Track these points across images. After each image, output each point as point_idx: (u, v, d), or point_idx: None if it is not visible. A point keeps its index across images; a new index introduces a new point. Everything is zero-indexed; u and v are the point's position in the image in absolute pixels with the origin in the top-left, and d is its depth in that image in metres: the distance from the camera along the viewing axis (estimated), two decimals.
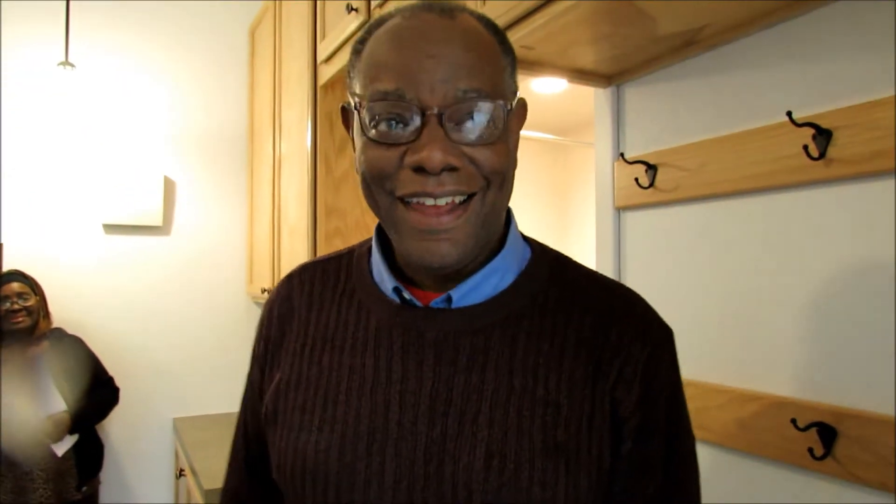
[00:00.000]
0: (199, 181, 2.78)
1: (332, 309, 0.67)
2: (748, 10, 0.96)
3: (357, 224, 2.00)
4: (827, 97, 0.91)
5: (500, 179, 0.58)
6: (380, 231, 0.68)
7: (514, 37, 1.03)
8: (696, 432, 1.07)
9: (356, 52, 0.60)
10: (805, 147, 0.91)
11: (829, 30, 0.91)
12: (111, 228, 2.62)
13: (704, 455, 1.07)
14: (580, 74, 1.25)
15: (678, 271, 1.15)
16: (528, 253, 0.68)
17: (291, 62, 2.13)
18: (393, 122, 0.55)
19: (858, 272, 0.87)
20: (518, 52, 1.09)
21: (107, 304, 2.58)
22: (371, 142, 0.57)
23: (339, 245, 1.96)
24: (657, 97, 1.20)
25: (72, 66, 2.38)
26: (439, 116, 0.54)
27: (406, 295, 0.63)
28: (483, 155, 0.56)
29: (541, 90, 2.81)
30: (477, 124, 0.56)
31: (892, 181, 0.83)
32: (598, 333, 0.62)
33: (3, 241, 2.46)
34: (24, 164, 2.52)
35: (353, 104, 0.60)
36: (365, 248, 0.70)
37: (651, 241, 1.21)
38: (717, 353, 1.07)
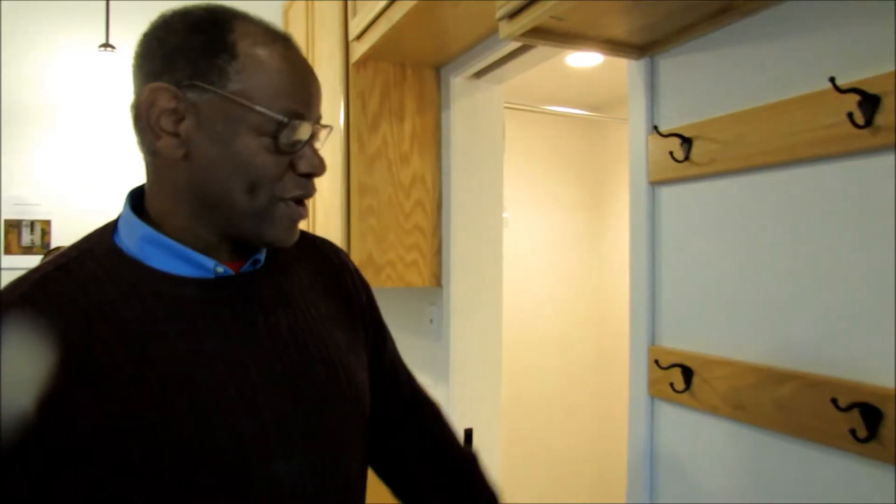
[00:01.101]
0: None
1: (126, 313, 0.64)
2: None
3: (390, 202, 2.00)
4: (872, 61, 0.86)
5: None
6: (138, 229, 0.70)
7: (543, 7, 1.00)
8: (732, 412, 1.06)
9: (219, 50, 0.66)
10: (850, 114, 0.87)
11: None
12: None
13: (741, 435, 1.05)
14: (613, 46, 1.21)
15: (714, 246, 1.12)
16: None
17: (324, 40, 2.12)
18: (293, 137, 0.68)
19: None
20: (548, 23, 1.08)
21: None
22: (269, 150, 0.68)
23: (373, 223, 1.97)
24: (692, 68, 1.16)
25: (112, 47, 2.42)
26: (316, 134, 0.72)
27: (220, 269, 0.71)
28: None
29: (576, 64, 2.75)
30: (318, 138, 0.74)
31: None
32: (328, 262, 0.87)
33: (51, 218, 2.54)
34: (70, 143, 2.59)
35: (227, 102, 0.66)
36: (99, 250, 0.69)
37: (686, 216, 1.17)
38: (753, 331, 1.05)
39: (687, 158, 1.15)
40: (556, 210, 3.46)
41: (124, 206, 0.72)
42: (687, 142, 1.14)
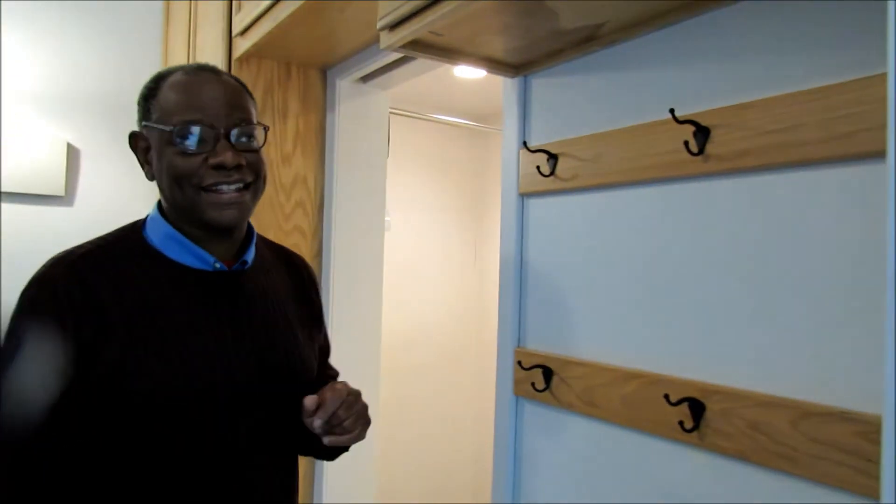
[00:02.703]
0: (106, 150, 2.66)
1: (145, 287, 0.90)
2: (643, 9, 1.01)
3: (269, 202, 1.98)
4: (706, 97, 0.98)
5: (263, 176, 0.97)
6: (165, 229, 0.96)
7: (421, 22, 1.05)
8: (587, 409, 1.15)
9: (150, 96, 0.94)
10: (686, 143, 0.98)
11: (713, 33, 0.98)
12: (9, 196, 2.49)
13: (593, 430, 1.14)
14: (490, 63, 1.28)
15: (576, 255, 1.21)
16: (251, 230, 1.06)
17: (206, 34, 2.07)
18: (194, 139, 0.90)
19: (730, 259, 0.95)
20: (427, 37, 1.13)
21: (3, 275, 2.45)
22: (181, 153, 0.90)
23: (251, 223, 1.93)
24: (560, 89, 1.25)
25: None
26: (226, 133, 0.91)
27: (218, 265, 0.95)
28: (253, 158, 0.95)
29: (462, 75, 2.84)
30: (249, 139, 0.94)
31: (762, 177, 0.91)
32: (298, 274, 1.14)
33: None
34: None
35: (154, 130, 0.92)
36: (131, 238, 0.96)
37: (551, 227, 1.26)
38: (606, 334, 1.14)
39: (553, 173, 1.23)
40: (438, 215, 3.54)
41: (153, 209, 0.98)
42: (553, 158, 1.23)
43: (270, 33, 1.63)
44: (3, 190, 2.53)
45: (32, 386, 0.82)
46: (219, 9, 1.91)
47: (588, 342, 1.18)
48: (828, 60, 0.83)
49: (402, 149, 3.18)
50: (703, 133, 0.97)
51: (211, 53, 2.00)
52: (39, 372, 0.83)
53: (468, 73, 2.80)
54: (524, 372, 1.28)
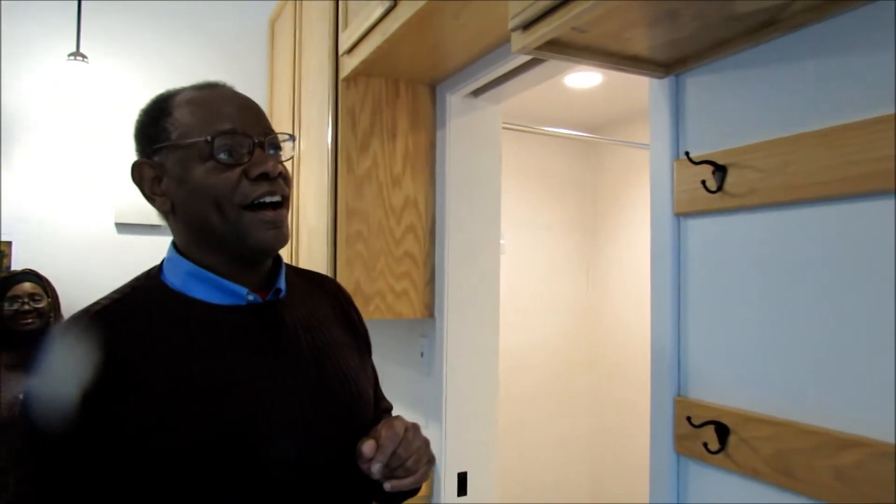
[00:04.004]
0: None
1: (173, 336, 0.79)
2: None
3: (380, 227, 1.86)
4: None
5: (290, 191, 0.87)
6: (183, 267, 0.84)
7: (565, 16, 0.88)
8: (781, 480, 0.92)
9: (160, 117, 0.83)
10: None
11: None
12: (123, 227, 2.52)
13: None
14: (634, 62, 1.09)
15: (750, 287, 0.99)
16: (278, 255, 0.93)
17: (312, 54, 1.99)
18: (231, 149, 0.80)
19: None
20: (567, 35, 0.95)
21: None
22: (216, 168, 0.80)
23: (361, 249, 1.83)
24: (725, 88, 1.04)
25: (83, 56, 2.27)
26: (261, 143, 0.83)
27: (251, 297, 0.84)
28: (286, 169, 0.86)
29: (574, 84, 2.65)
30: (278, 150, 0.86)
31: None
32: (336, 298, 1.01)
33: (12, 239, 2.36)
34: (34, 159, 2.42)
35: (176, 151, 0.82)
36: (149, 285, 0.85)
37: (720, 252, 1.05)
38: (802, 385, 0.92)
39: (720, 188, 1.02)
40: (550, 234, 3.34)
41: (169, 251, 0.87)
42: (721, 170, 1.02)
43: (380, 48, 1.51)
44: (118, 221, 2.56)
45: (48, 468, 0.74)
46: (325, 27, 1.82)
47: (775, 394, 0.95)
48: None
49: (510, 165, 3.02)
50: None
51: (317, 74, 1.92)
52: (54, 455, 0.73)
53: (580, 81, 2.60)
54: (691, 428, 1.06)
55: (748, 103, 1.00)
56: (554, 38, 0.96)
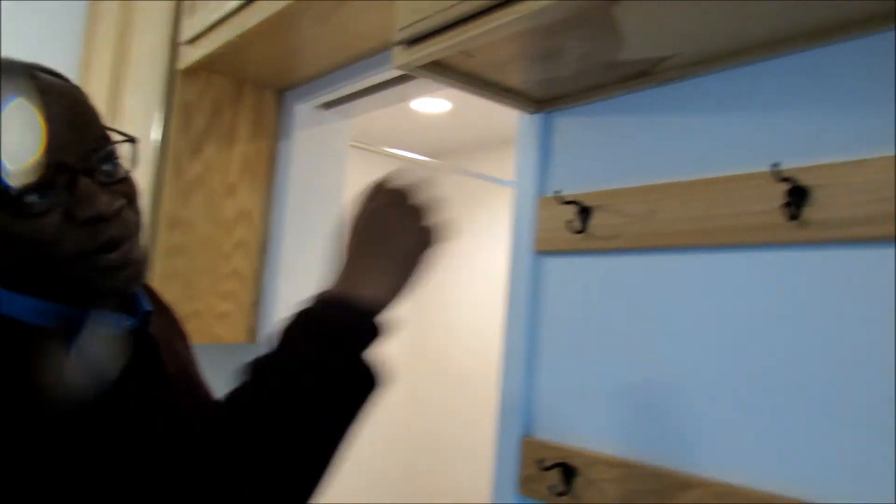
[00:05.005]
0: None
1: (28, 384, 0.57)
2: (741, 40, 0.83)
3: (207, 241, 1.68)
4: (810, 150, 0.81)
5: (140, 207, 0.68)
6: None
7: (457, 38, 0.83)
8: None
9: None
10: (781, 204, 0.80)
11: (825, 73, 0.81)
12: None
13: None
14: (509, 94, 1.08)
15: (605, 330, 1.01)
16: None
17: (144, 37, 1.77)
18: (41, 190, 0.58)
19: (832, 348, 0.77)
20: (454, 58, 0.91)
21: None
22: (22, 217, 0.57)
23: (182, 264, 1.63)
24: (596, 130, 1.06)
25: None
26: (89, 169, 0.61)
27: (128, 322, 0.69)
28: (126, 189, 0.65)
29: (420, 109, 2.65)
30: (115, 166, 0.64)
31: (875, 251, 0.74)
32: (172, 312, 0.90)
33: None
34: None
35: None
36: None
37: (580, 293, 1.06)
38: (641, 427, 0.94)
39: (584, 230, 1.03)
40: None
41: None
42: (586, 211, 1.03)
43: (230, 43, 1.36)
44: None
45: None
46: (164, 9, 1.62)
47: (623, 436, 0.97)
48: None
49: (353, 184, 2.94)
50: (801, 194, 0.79)
51: (148, 61, 1.70)
52: None
53: (428, 106, 2.61)
54: (537, 469, 1.05)
55: (618, 148, 1.02)
56: (440, 59, 0.91)
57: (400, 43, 0.91)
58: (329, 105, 1.75)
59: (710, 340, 0.88)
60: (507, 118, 2.62)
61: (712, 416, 0.87)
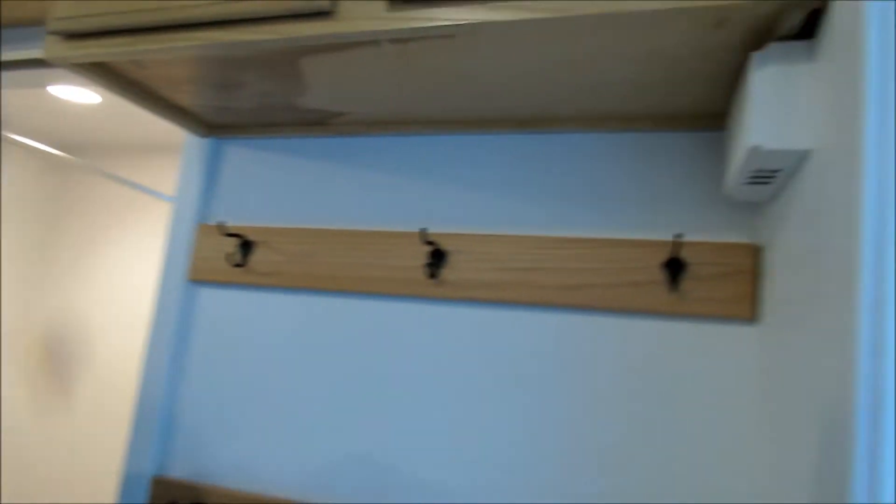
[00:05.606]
0: None
1: None
2: (407, 113, 0.93)
3: None
4: (453, 219, 0.94)
5: None
6: None
7: (130, 47, 0.76)
8: None
9: None
10: (424, 263, 0.91)
11: (473, 156, 0.95)
12: None
13: None
14: (179, 113, 1.02)
15: (259, 366, 1.01)
16: None
17: None
18: None
19: (450, 392, 0.89)
20: (122, 65, 0.84)
21: None
22: None
23: None
24: (268, 166, 1.06)
25: None
26: None
27: None
28: None
29: (65, 97, 2.30)
30: None
31: (501, 311, 0.89)
32: None
33: None
34: None
35: None
36: None
37: (232, 327, 1.03)
38: (285, 468, 0.96)
39: (245, 263, 1.02)
40: None
41: None
42: (248, 245, 1.02)
43: None
44: None
45: None
46: None
47: (266, 475, 0.97)
48: (590, 216, 0.88)
49: None
50: (441, 256, 0.92)
51: None
52: None
53: (72, 94, 2.29)
54: None
55: (288, 187, 1.04)
56: (107, 62, 0.82)
57: (56, 33, 0.80)
58: None
59: (361, 382, 0.94)
60: (167, 127, 2.44)
61: (353, 455, 0.93)
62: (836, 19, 0.52)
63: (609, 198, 0.87)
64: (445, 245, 0.92)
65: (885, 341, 0.37)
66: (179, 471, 1.02)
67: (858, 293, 0.39)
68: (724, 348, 0.79)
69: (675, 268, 0.81)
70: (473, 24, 0.63)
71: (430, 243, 0.90)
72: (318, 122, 1.00)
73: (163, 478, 1.01)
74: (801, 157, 0.59)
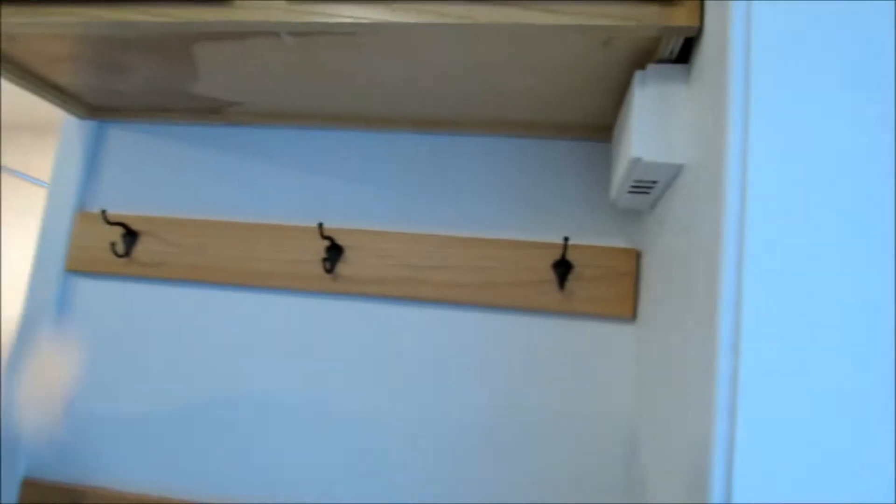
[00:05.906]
0: None
1: None
2: (305, 107, 0.92)
3: None
4: (350, 215, 0.94)
5: None
6: None
7: (5, 19, 0.71)
8: None
9: None
10: (322, 258, 0.91)
11: (374, 153, 0.95)
12: None
13: None
14: (56, 91, 0.95)
15: (142, 359, 0.96)
16: None
17: None
18: None
19: (341, 394, 0.90)
20: None
21: None
22: None
23: None
24: (155, 153, 1.02)
25: None
26: None
27: None
28: None
29: None
30: None
31: (397, 306, 0.91)
32: None
33: None
34: None
35: None
36: None
37: (114, 321, 0.98)
38: (169, 465, 0.93)
39: (129, 254, 0.97)
40: None
41: None
42: (132, 235, 0.98)
43: None
44: None
45: None
46: None
47: (148, 474, 0.94)
48: (486, 215, 0.90)
49: None
50: (337, 250, 0.92)
51: None
52: None
53: None
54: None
55: (178, 176, 1.00)
56: None
57: None
58: None
59: (253, 377, 0.93)
60: (39, 104, 2.26)
61: (241, 453, 0.91)
62: (706, 49, 0.56)
63: (507, 200, 0.90)
64: (342, 241, 0.92)
65: (742, 337, 0.42)
66: (55, 472, 0.96)
67: (721, 295, 0.44)
68: (608, 344, 0.84)
69: (563, 269, 0.85)
70: (374, 23, 0.64)
71: (327, 238, 0.90)
72: (211, 111, 0.97)
73: (35, 480, 0.95)
74: (676, 171, 0.63)
